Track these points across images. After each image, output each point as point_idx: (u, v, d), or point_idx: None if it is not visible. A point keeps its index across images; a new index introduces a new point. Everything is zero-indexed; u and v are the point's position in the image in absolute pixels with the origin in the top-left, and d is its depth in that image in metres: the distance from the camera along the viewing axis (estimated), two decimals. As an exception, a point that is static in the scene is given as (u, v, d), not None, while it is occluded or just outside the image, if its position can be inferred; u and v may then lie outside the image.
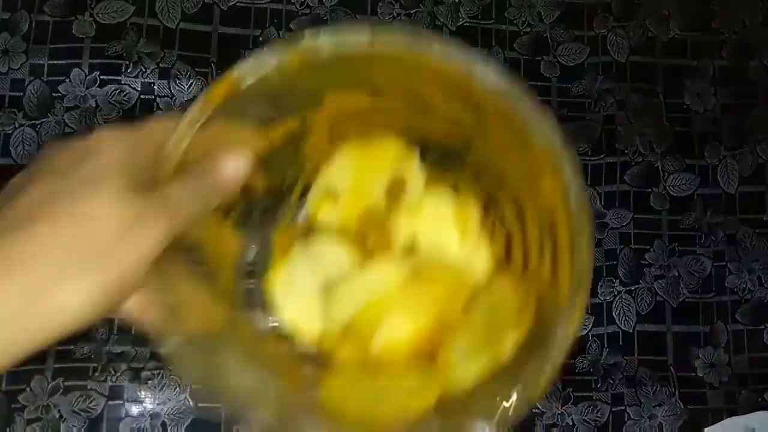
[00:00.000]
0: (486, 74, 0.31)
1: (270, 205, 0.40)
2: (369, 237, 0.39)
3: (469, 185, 0.40)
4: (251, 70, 0.32)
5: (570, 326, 0.31)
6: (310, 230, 0.40)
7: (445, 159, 0.40)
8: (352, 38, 0.31)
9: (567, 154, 0.32)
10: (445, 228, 0.39)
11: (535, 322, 0.34)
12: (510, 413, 0.30)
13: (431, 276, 0.38)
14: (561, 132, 0.32)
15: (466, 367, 0.35)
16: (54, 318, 0.25)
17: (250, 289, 0.39)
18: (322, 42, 0.31)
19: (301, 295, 0.39)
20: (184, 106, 0.48)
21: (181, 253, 0.32)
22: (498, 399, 0.31)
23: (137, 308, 0.32)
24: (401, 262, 0.38)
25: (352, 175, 0.39)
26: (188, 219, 0.31)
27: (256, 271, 0.40)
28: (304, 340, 0.38)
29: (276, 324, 0.39)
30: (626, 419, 0.49)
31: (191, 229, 0.31)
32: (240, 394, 0.32)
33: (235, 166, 0.34)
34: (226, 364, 0.32)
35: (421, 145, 0.40)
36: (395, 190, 0.39)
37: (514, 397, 0.30)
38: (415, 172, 0.40)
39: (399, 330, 0.36)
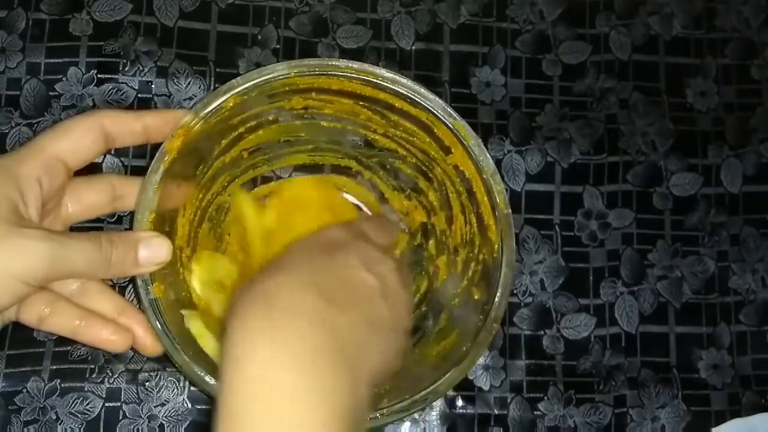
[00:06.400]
0: (387, 79, 0.40)
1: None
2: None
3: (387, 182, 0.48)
4: (197, 112, 0.39)
5: (506, 268, 0.39)
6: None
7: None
8: (277, 70, 0.39)
9: (466, 125, 0.40)
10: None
11: (481, 274, 0.42)
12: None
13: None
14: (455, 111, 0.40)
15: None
16: None
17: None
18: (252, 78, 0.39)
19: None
20: (182, 105, 0.48)
21: None
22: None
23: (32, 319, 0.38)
24: None
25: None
26: (72, 271, 0.35)
27: None
28: None
29: None
30: (629, 421, 0.48)
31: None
32: None
33: (155, 255, 0.37)
34: None
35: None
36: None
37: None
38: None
39: None
